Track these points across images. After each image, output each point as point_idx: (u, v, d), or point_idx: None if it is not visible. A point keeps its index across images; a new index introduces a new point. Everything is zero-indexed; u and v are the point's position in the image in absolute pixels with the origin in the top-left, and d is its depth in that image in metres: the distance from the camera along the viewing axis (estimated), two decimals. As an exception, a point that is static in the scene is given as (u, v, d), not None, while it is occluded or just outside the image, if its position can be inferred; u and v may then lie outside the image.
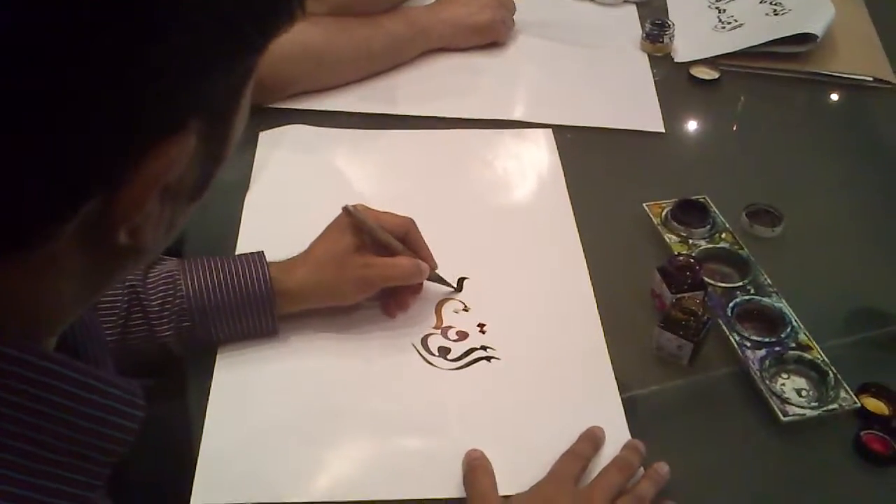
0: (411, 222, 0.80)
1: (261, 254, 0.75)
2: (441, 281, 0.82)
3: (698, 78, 1.18)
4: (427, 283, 0.82)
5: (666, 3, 1.35)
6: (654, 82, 1.16)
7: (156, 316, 0.71)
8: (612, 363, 0.76)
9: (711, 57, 1.20)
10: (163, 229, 0.37)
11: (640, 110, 1.11)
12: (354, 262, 0.76)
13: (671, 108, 1.11)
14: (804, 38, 1.18)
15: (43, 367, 0.37)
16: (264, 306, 0.74)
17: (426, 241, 0.81)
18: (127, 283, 0.71)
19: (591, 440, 0.69)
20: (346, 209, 0.77)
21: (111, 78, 0.30)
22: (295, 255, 0.78)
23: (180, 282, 0.72)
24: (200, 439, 0.69)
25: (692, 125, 1.15)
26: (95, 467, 0.40)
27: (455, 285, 0.83)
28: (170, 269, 0.73)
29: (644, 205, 0.92)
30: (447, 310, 0.81)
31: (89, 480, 0.40)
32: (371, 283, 0.77)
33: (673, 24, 1.23)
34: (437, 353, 0.77)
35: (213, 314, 0.73)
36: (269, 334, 0.76)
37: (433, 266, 0.80)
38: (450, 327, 0.80)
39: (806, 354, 0.76)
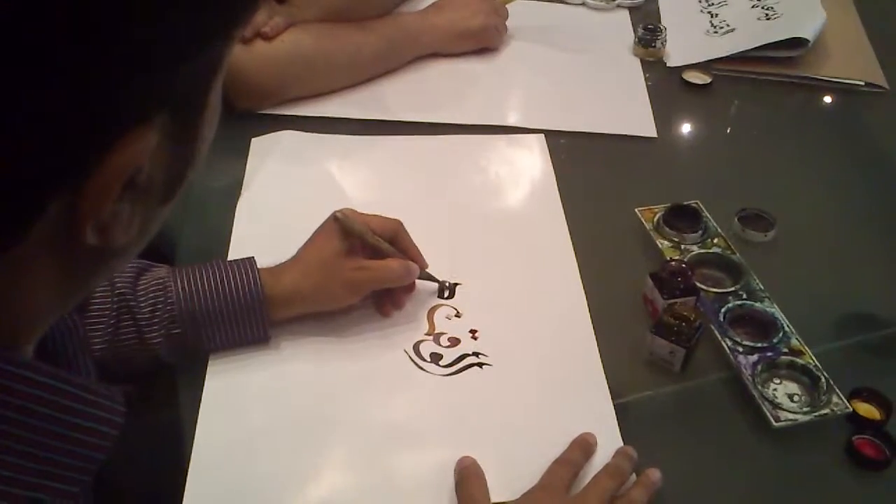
0: (399, 224, 0.80)
1: (251, 259, 0.75)
2: (431, 278, 0.83)
3: (690, 82, 1.18)
4: (419, 288, 0.82)
5: (658, 8, 1.36)
6: (647, 87, 1.17)
7: (146, 322, 0.71)
8: (604, 369, 0.76)
9: (704, 61, 1.21)
10: (134, 231, 0.37)
11: (633, 115, 1.11)
12: (345, 266, 0.77)
13: (663, 113, 1.11)
14: (796, 42, 1.18)
15: (16, 373, 0.37)
16: (255, 312, 0.74)
17: (417, 244, 0.81)
18: (116, 290, 0.71)
19: (583, 447, 0.69)
20: (335, 216, 0.78)
21: (69, 73, 0.30)
22: (284, 260, 0.78)
23: (171, 288, 0.72)
24: (191, 447, 0.69)
25: (684, 130, 1.15)
26: (73, 474, 0.40)
27: (444, 282, 0.84)
28: (160, 275, 0.73)
29: (636, 210, 0.92)
30: (439, 316, 0.81)
31: (66, 488, 0.40)
32: (362, 286, 0.78)
33: (665, 29, 1.23)
34: (429, 360, 0.77)
35: (203, 320, 0.72)
36: (260, 341, 0.76)
37: (423, 265, 0.81)
38: (442, 333, 0.79)
39: (798, 359, 0.76)
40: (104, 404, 0.41)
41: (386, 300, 0.80)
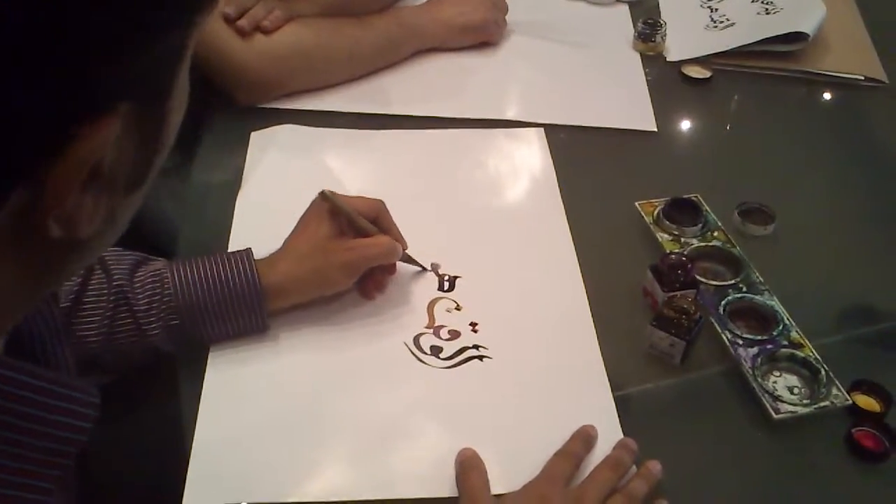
0: (382, 204, 0.81)
1: (248, 251, 0.75)
2: (411, 261, 0.83)
3: (690, 77, 1.18)
4: (419, 281, 0.82)
5: (658, 3, 1.35)
6: (647, 81, 1.17)
7: (143, 314, 0.71)
8: (604, 362, 0.76)
9: (703, 56, 1.20)
10: (100, 221, 0.36)
11: (633, 109, 1.11)
12: (338, 247, 0.77)
13: (663, 108, 1.11)
14: (795, 36, 1.18)
15: None
16: (252, 303, 0.74)
17: (417, 237, 0.82)
18: (114, 283, 0.71)
19: (583, 439, 0.69)
20: (323, 194, 0.78)
21: (28, 64, 0.29)
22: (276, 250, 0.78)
23: (168, 280, 0.72)
24: (192, 440, 0.69)
25: (684, 124, 1.15)
26: (45, 470, 0.39)
27: (427, 266, 0.84)
28: (157, 267, 0.73)
29: (636, 203, 0.92)
30: (439, 309, 0.81)
31: (38, 483, 0.39)
32: (356, 266, 0.78)
33: (665, 24, 1.23)
34: (429, 352, 0.77)
35: (201, 312, 0.72)
36: (258, 331, 0.76)
37: (405, 246, 0.82)
38: (442, 326, 0.79)
39: (798, 352, 0.76)
40: (77, 397, 0.40)
41: (369, 284, 0.81)
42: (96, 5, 0.30)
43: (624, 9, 1.34)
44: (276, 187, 0.95)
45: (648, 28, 1.22)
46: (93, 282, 0.71)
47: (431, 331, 0.79)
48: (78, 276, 0.70)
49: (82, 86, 0.31)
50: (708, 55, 1.20)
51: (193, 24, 0.36)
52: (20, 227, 0.34)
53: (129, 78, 0.33)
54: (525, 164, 1.01)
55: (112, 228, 0.39)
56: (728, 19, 1.28)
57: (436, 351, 0.77)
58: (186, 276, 0.73)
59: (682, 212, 0.91)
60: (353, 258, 0.77)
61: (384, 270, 0.81)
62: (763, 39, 1.19)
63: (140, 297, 0.71)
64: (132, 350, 0.72)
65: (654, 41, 1.22)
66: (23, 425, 0.38)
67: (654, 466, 0.67)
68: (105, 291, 0.71)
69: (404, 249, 0.82)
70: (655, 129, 1.08)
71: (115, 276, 0.72)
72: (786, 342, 0.77)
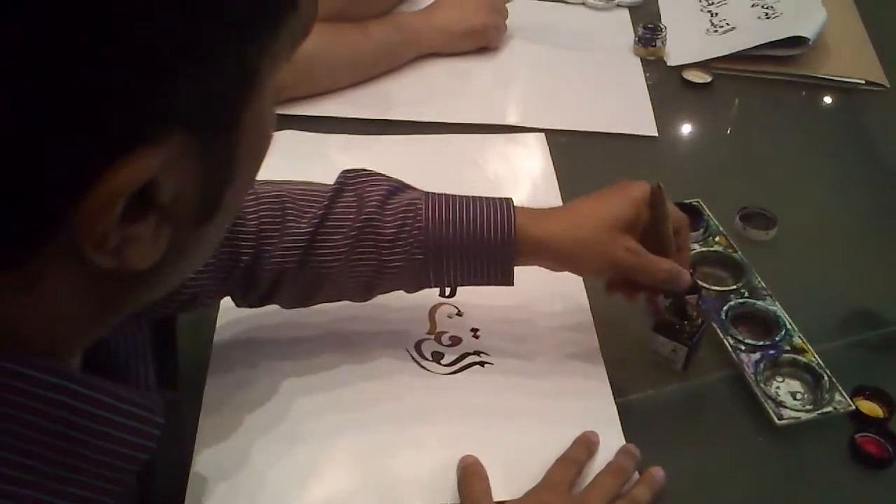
0: (686, 222, 0.74)
1: (509, 200, 0.71)
2: (683, 308, 0.74)
3: (691, 81, 1.18)
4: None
5: (658, 7, 1.36)
6: (647, 86, 1.17)
7: (388, 244, 0.67)
8: (606, 367, 0.76)
9: (704, 60, 1.20)
10: (159, 252, 0.35)
11: (633, 114, 1.11)
12: (619, 240, 0.69)
13: (664, 112, 1.11)
14: (796, 41, 1.18)
15: (40, 379, 0.36)
16: (502, 252, 0.68)
17: None
18: (364, 211, 0.68)
19: (586, 445, 0.69)
20: (659, 186, 0.69)
21: (57, 92, 0.28)
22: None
23: (421, 211, 0.68)
24: (192, 447, 0.68)
25: (685, 129, 1.15)
26: (104, 484, 0.39)
27: (700, 317, 0.75)
28: (413, 197, 0.69)
29: (637, 208, 0.92)
30: (440, 315, 0.81)
31: (99, 498, 0.39)
32: (624, 269, 0.70)
33: (665, 28, 1.23)
34: (430, 358, 0.77)
35: (447, 251, 0.68)
36: (501, 283, 0.72)
37: (687, 280, 0.72)
38: (443, 332, 0.79)
39: (800, 357, 0.75)
40: (140, 415, 0.40)
41: (637, 289, 0.74)
42: (131, 26, 0.29)
43: (624, 13, 1.34)
44: (276, 193, 0.95)
45: (649, 32, 1.22)
46: (339, 205, 0.68)
47: (433, 337, 0.79)
48: (324, 198, 0.68)
49: (118, 117, 0.30)
50: (708, 59, 1.20)
51: (257, 50, 0.34)
52: (71, 253, 0.33)
53: (175, 109, 0.32)
54: (526, 169, 1.01)
55: (185, 259, 0.38)
56: (728, 24, 1.28)
57: (437, 357, 0.77)
58: (441, 210, 0.68)
59: (683, 217, 0.90)
60: (626, 262, 0.69)
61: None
62: (764, 44, 1.19)
63: (388, 225, 0.68)
64: (371, 284, 0.69)
65: (655, 46, 1.22)
66: (91, 441, 0.38)
67: (657, 473, 0.67)
68: (352, 217, 0.68)
69: (687, 281, 0.72)
70: (656, 134, 1.08)
71: (367, 204, 0.68)
72: (788, 347, 0.77)
